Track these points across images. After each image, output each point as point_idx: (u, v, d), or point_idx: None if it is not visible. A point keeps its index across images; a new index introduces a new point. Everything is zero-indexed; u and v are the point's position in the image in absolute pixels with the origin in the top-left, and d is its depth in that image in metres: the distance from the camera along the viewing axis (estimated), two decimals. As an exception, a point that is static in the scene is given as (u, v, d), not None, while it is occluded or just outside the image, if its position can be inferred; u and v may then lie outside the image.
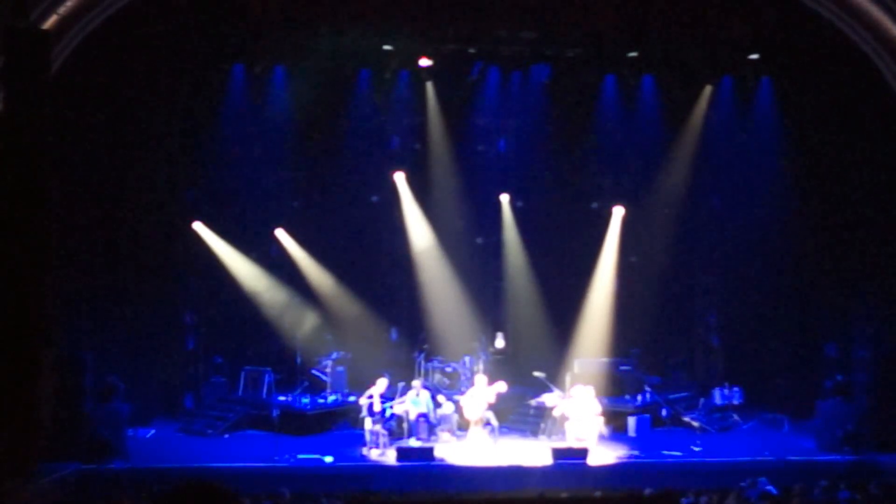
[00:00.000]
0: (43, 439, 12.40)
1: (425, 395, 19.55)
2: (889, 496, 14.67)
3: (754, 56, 21.05)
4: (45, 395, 11.68)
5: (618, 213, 22.66)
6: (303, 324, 22.28)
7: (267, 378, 21.14)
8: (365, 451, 18.77)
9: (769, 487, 14.42)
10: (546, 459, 17.97)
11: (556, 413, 19.44)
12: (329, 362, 21.39)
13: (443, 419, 19.53)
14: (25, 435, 11.41)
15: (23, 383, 11.39)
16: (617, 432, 20.07)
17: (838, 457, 18.39)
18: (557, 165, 23.26)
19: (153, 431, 20.26)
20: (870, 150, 20.05)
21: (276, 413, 19.22)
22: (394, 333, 22.97)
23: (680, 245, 23.09)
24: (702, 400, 21.58)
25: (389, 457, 18.31)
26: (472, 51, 21.40)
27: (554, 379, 20.49)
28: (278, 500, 14.94)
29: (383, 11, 18.94)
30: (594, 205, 23.40)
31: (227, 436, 20.21)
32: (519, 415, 20.73)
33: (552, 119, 22.78)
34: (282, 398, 20.86)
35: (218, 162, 21.95)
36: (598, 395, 19.54)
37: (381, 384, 19.24)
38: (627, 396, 21.16)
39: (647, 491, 14.73)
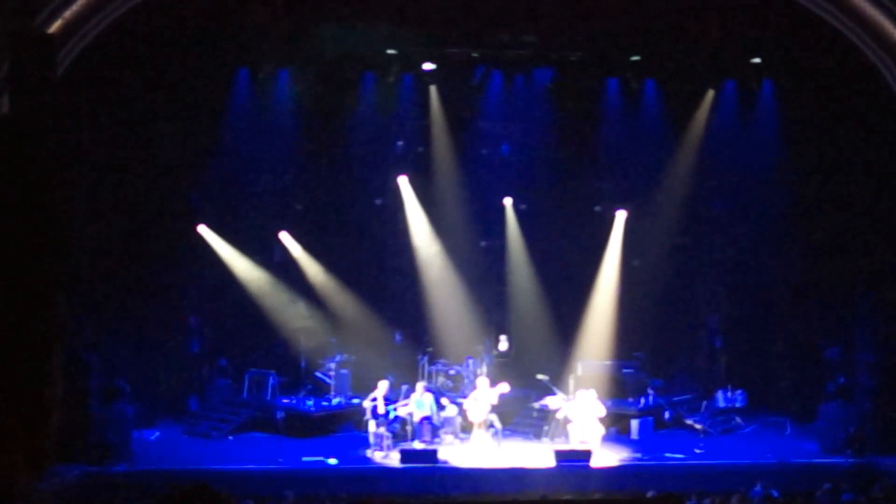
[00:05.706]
0: (54, 441, 12.46)
1: (429, 397, 19.58)
2: (892, 499, 14.71)
3: (756, 60, 21.12)
4: (56, 397, 11.77)
5: (620, 216, 22.68)
6: (305, 321, 22.32)
7: (271, 381, 21.14)
8: (369, 453, 18.83)
9: (771, 491, 14.49)
10: (549, 462, 18.03)
11: (559, 416, 19.50)
12: (333, 365, 21.44)
13: (446, 422, 19.58)
14: (37, 437, 11.50)
15: (35, 386, 11.49)
16: (620, 435, 20.10)
17: (841, 459, 18.40)
18: (560, 169, 23.27)
19: (158, 434, 20.29)
20: (872, 154, 20.09)
21: (280, 415, 19.29)
22: (397, 336, 22.97)
23: (682, 248, 23.11)
24: (704, 402, 21.56)
25: (393, 459, 18.37)
26: (475, 55, 21.48)
27: (557, 381, 20.55)
28: (282, 502, 15.02)
29: (387, 16, 19.00)
30: (597, 208, 23.41)
31: (231, 438, 20.25)
32: (522, 417, 20.74)
33: (555, 123, 22.81)
34: (286, 400, 20.91)
35: (222, 165, 21.99)
36: (601, 398, 19.57)
37: (383, 387, 19.28)
38: (630, 399, 21.19)
39: (650, 493, 14.80)
